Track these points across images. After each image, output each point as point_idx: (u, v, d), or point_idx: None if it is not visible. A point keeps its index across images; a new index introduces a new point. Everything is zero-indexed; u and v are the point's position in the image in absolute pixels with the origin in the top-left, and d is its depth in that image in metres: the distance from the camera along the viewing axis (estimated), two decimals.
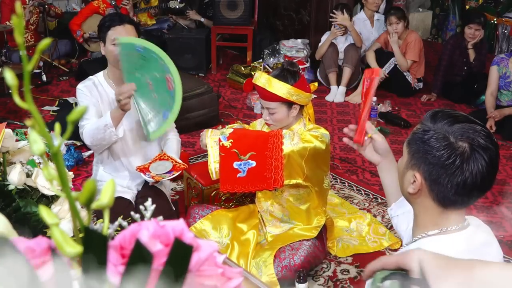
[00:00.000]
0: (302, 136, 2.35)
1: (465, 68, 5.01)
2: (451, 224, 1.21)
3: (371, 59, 5.18)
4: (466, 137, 1.13)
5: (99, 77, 2.61)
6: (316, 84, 2.56)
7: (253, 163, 2.30)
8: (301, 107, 2.44)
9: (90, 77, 2.63)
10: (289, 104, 2.36)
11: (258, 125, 2.67)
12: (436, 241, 1.20)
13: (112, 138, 2.44)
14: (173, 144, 2.67)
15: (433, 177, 1.17)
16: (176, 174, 2.49)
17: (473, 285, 0.78)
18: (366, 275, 0.86)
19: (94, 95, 2.53)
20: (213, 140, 2.30)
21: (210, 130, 2.39)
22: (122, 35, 2.43)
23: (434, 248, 1.14)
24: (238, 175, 2.30)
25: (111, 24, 2.48)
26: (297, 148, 2.30)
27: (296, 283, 1.89)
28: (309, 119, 2.50)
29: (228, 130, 2.34)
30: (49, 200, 1.30)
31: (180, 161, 2.56)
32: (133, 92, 2.30)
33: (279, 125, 2.42)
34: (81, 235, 0.49)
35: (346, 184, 3.54)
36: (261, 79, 2.35)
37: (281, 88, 2.30)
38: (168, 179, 2.51)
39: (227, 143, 2.26)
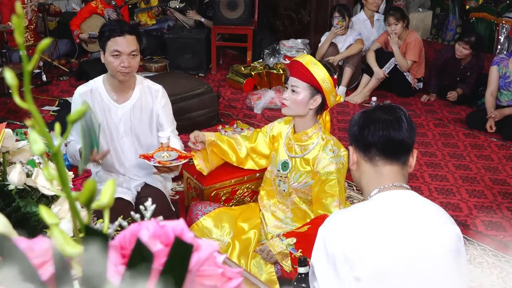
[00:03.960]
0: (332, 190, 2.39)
1: (458, 79, 5.00)
2: (386, 181, 1.47)
3: (371, 59, 5.18)
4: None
5: (98, 82, 2.59)
6: (342, 98, 2.65)
7: None
8: (319, 112, 2.45)
9: (90, 81, 2.62)
10: (314, 92, 2.37)
11: (268, 129, 2.68)
12: (377, 199, 1.46)
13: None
14: (175, 144, 2.63)
15: (356, 137, 1.51)
16: (184, 161, 2.45)
17: None
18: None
19: None
20: (282, 254, 2.33)
21: (273, 244, 2.37)
22: (123, 47, 2.39)
23: (375, 205, 1.45)
24: None
25: (110, 35, 2.40)
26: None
27: (298, 267, 1.99)
28: (324, 127, 2.53)
29: (292, 239, 2.34)
30: (49, 200, 1.30)
31: (185, 152, 2.54)
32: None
33: (295, 110, 2.40)
34: (81, 235, 0.49)
35: (346, 184, 3.54)
36: (305, 57, 2.43)
37: (319, 71, 2.36)
38: (175, 165, 2.44)
39: (298, 254, 2.30)
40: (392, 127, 1.46)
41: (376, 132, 1.47)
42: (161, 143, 2.50)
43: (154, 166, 2.47)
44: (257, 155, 2.71)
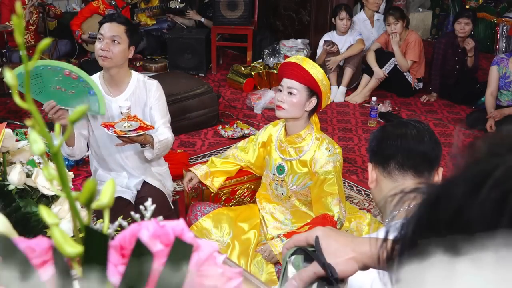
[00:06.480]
0: (330, 189, 2.36)
1: (457, 67, 5.04)
2: (407, 201, 1.31)
3: (371, 59, 5.18)
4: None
5: (94, 78, 2.62)
6: (330, 100, 2.62)
7: None
8: (311, 114, 2.43)
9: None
10: (310, 93, 2.33)
11: (258, 137, 2.66)
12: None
13: (75, 155, 2.56)
14: (162, 133, 2.58)
15: (374, 151, 1.42)
16: (141, 133, 2.39)
17: (360, 260, 0.86)
18: (283, 253, 0.94)
19: None
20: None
21: (275, 244, 2.36)
22: (105, 31, 2.48)
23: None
24: None
25: (102, 23, 2.55)
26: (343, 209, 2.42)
27: None
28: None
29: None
30: (49, 200, 1.30)
31: (148, 123, 2.50)
32: (56, 105, 2.30)
33: (292, 112, 2.34)
34: (81, 235, 0.49)
35: (346, 184, 3.54)
36: (299, 58, 2.37)
37: (317, 72, 2.31)
38: (132, 136, 2.39)
39: None
40: (412, 138, 1.36)
41: (395, 144, 1.37)
42: (121, 113, 2.45)
43: (116, 136, 2.43)
44: (254, 166, 2.72)
